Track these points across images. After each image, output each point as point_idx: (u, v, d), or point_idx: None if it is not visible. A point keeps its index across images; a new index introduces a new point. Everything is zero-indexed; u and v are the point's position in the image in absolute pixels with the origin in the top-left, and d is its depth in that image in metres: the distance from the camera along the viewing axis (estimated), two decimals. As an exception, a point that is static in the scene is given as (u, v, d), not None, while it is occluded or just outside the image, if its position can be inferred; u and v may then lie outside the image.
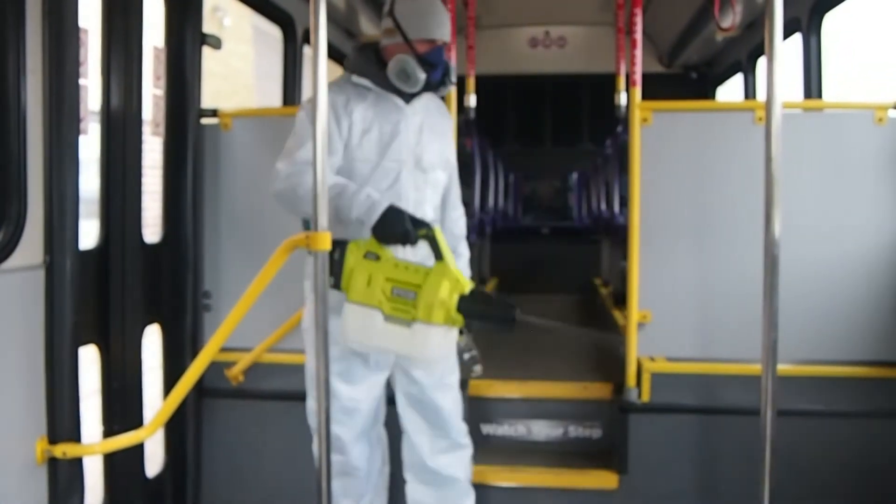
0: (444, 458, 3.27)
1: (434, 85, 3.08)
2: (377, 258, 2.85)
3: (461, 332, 3.31)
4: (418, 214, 2.98)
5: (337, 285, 2.85)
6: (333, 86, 3.00)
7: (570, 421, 4.17)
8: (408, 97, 3.09)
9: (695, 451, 3.75)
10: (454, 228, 3.36)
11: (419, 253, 2.91)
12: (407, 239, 2.80)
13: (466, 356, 3.36)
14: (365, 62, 3.09)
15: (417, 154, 3.10)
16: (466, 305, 2.80)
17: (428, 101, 3.19)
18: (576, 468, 3.95)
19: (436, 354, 2.83)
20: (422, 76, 2.97)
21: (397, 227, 2.80)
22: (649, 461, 3.79)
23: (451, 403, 3.26)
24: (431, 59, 3.00)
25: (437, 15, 3.02)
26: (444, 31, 3.03)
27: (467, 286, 2.83)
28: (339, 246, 2.85)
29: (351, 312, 2.84)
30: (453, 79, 3.16)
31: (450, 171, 3.30)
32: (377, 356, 3.12)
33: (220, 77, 13.11)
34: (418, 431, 3.27)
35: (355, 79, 3.08)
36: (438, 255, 2.82)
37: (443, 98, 3.35)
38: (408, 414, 3.27)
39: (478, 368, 3.37)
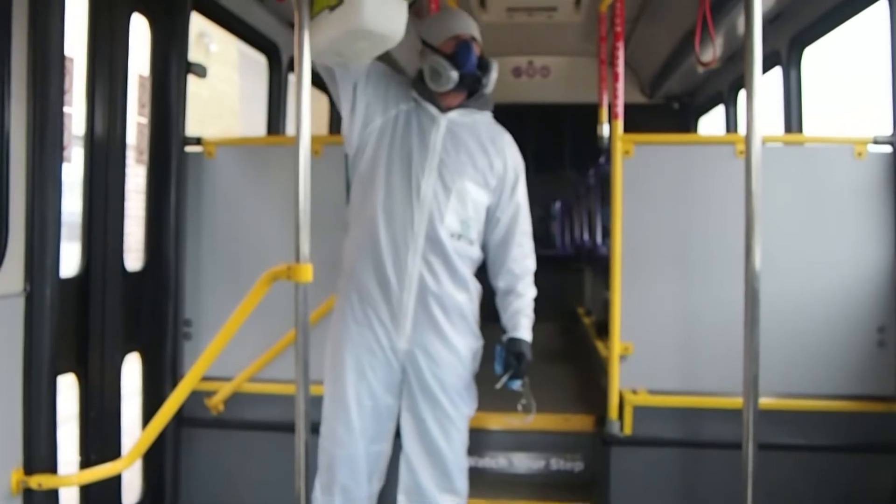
0: (441, 496, 3.16)
1: (475, 80, 3.14)
2: None
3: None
4: (440, 221, 3.07)
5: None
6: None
7: (552, 453, 4.16)
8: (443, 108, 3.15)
9: (677, 484, 3.74)
10: (514, 267, 3.41)
11: None
12: None
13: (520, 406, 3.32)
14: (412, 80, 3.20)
15: (442, 158, 3.10)
16: None
17: (472, 116, 3.25)
18: (557, 501, 3.93)
19: None
20: (453, 73, 3.03)
21: None
22: (631, 494, 3.77)
23: (449, 444, 3.15)
24: (460, 53, 3.06)
25: (453, 15, 3.18)
26: (463, 25, 3.13)
27: None
28: None
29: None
30: (493, 70, 3.20)
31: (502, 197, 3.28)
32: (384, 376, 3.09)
33: (207, 101, 13.14)
34: (418, 457, 3.15)
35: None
36: None
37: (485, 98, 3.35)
38: (410, 436, 3.16)
39: (530, 418, 3.31)
